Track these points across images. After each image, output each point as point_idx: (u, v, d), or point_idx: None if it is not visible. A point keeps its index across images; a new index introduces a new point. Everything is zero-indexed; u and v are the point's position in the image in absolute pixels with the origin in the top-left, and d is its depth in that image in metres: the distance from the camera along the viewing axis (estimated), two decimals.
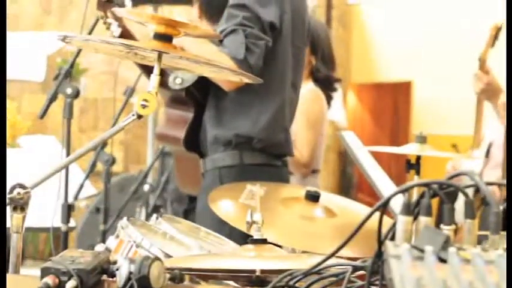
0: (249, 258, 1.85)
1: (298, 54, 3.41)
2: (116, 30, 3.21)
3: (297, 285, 1.58)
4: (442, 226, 1.30)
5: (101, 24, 3.40)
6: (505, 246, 1.26)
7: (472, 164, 4.05)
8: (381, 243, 1.35)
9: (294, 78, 3.38)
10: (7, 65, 2.58)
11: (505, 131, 3.52)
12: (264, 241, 1.89)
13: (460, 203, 1.40)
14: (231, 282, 1.86)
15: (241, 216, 2.27)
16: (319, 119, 4.27)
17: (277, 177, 3.24)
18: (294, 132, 3.70)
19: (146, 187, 5.23)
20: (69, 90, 3.83)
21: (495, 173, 3.68)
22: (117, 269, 1.54)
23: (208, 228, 2.58)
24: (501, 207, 1.30)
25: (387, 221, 1.37)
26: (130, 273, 1.51)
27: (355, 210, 2.97)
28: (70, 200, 3.95)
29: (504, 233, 1.30)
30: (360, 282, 1.54)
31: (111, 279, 1.60)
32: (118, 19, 3.23)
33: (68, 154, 3.78)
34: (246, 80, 2.13)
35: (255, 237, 1.89)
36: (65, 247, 3.87)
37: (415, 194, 1.97)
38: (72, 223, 4.03)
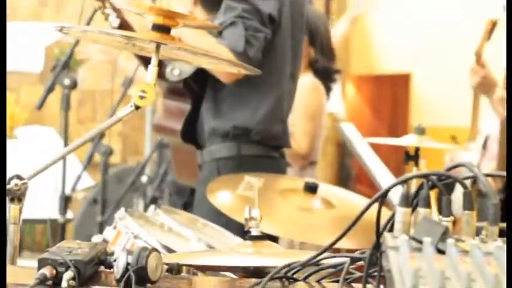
0: (247, 255, 1.84)
1: (296, 46, 3.40)
2: (115, 20, 3.21)
3: (295, 276, 1.57)
4: (440, 217, 1.30)
5: (99, 15, 3.40)
6: (504, 238, 1.25)
7: (469, 156, 4.07)
8: (379, 234, 1.35)
9: (292, 69, 3.38)
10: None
11: (501, 125, 3.53)
12: (262, 237, 1.88)
13: (456, 195, 1.40)
14: (229, 274, 1.86)
15: (238, 207, 2.27)
16: (318, 110, 4.27)
17: (275, 169, 3.24)
18: (292, 123, 3.70)
19: (144, 178, 5.23)
20: (66, 81, 3.82)
21: (491, 165, 3.70)
22: (115, 260, 1.54)
23: (206, 219, 2.58)
24: (498, 199, 1.30)
25: (386, 213, 1.36)
26: (128, 264, 1.51)
27: (353, 201, 2.98)
28: (67, 191, 3.95)
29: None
30: (358, 274, 1.54)
31: (108, 270, 1.59)
32: (116, 10, 3.23)
33: (65, 146, 3.78)
34: (244, 72, 2.12)
35: (253, 233, 1.88)
36: (62, 238, 3.87)
37: (414, 186, 1.96)
38: (69, 214, 4.03)
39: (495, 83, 3.79)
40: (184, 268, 1.72)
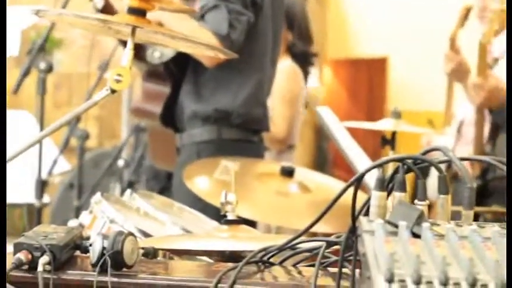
0: (223, 239, 1.84)
1: (277, 30, 3.40)
2: (99, 2, 3.19)
3: (271, 260, 1.58)
4: (416, 201, 1.30)
5: None
6: (479, 222, 1.26)
7: (445, 140, 4.09)
8: (355, 218, 1.35)
9: (272, 54, 3.37)
10: None
11: (476, 111, 3.55)
12: (238, 222, 1.88)
13: (432, 179, 1.41)
14: (205, 258, 1.86)
15: (215, 191, 2.26)
16: (296, 95, 4.28)
17: (253, 153, 3.24)
18: (271, 107, 3.70)
19: (121, 163, 5.21)
20: (42, 65, 3.79)
21: (466, 149, 3.72)
22: (90, 245, 1.53)
23: (184, 203, 2.57)
24: (474, 184, 1.31)
25: (362, 197, 1.37)
26: (104, 248, 1.50)
27: (330, 185, 2.98)
28: (44, 175, 3.93)
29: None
30: (334, 258, 1.55)
31: (84, 254, 1.59)
32: None
33: (42, 130, 3.75)
34: (223, 56, 2.12)
35: (229, 217, 1.87)
36: (39, 223, 3.85)
37: (390, 170, 1.97)
38: (46, 199, 4.01)
39: (469, 70, 3.81)
40: (160, 252, 1.72)
